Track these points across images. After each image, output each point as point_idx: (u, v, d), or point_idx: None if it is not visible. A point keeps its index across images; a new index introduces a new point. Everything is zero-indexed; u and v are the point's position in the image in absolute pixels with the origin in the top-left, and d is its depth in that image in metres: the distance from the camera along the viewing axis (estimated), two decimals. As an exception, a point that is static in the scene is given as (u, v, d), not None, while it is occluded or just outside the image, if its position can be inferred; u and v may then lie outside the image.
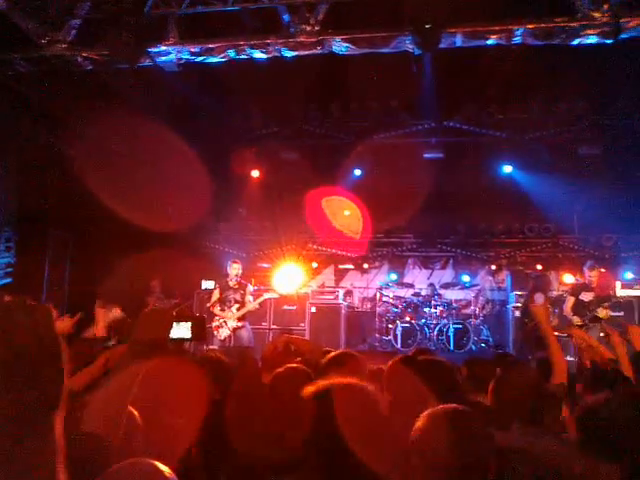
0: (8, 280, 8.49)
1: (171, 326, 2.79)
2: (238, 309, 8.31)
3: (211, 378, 2.75)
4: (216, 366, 3.13)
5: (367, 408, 2.00)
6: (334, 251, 13.60)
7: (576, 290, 8.50)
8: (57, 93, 8.14)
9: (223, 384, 2.86)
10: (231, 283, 8.53)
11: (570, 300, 8.40)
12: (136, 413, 2.22)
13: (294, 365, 2.82)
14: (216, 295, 8.57)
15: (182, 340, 2.86)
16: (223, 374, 3.06)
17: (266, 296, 8.76)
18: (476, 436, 1.80)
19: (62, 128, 8.54)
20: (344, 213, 12.48)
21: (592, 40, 6.25)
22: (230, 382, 2.90)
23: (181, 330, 2.84)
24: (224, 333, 8.21)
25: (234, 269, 8.63)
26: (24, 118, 8.18)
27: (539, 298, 9.26)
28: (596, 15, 6.04)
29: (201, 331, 3.01)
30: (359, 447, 1.90)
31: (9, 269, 8.53)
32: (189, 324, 2.87)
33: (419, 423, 1.86)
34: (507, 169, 11.51)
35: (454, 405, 1.90)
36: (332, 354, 3.20)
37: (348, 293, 13.01)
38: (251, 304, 8.38)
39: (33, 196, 8.15)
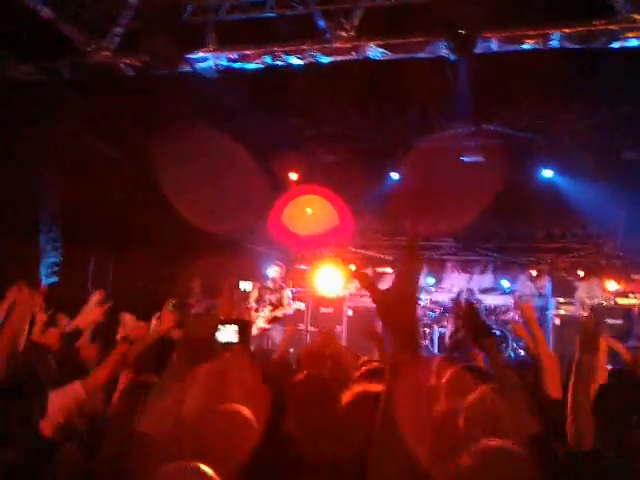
0: (55, 279, 8.83)
1: (217, 329, 2.88)
2: (271, 311, 8.46)
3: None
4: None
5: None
6: (372, 254, 13.61)
7: None
8: (102, 98, 8.42)
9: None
10: (269, 285, 8.70)
11: None
12: (189, 414, 2.29)
13: (314, 372, 2.83)
14: (254, 295, 8.77)
15: (229, 344, 2.91)
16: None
17: (283, 311, 8.73)
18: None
19: (105, 131, 8.83)
20: (306, 213, 11.25)
21: (633, 43, 6.10)
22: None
23: (228, 333, 2.90)
24: (254, 332, 8.39)
25: (274, 271, 8.81)
26: (68, 122, 8.49)
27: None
28: (637, 17, 5.91)
29: (248, 334, 3.07)
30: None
31: (56, 268, 8.87)
32: (236, 327, 2.92)
33: (465, 460, 1.83)
34: (548, 173, 11.30)
35: (502, 443, 1.87)
36: (365, 368, 3.23)
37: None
38: (281, 310, 8.52)
39: (77, 197, 8.44)
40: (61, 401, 2.93)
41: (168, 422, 2.15)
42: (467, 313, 2.55)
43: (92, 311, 4.48)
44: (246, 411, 2.31)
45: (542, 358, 3.23)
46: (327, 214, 10.96)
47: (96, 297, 4.58)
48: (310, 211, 11.08)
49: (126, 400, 2.94)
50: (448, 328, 11.49)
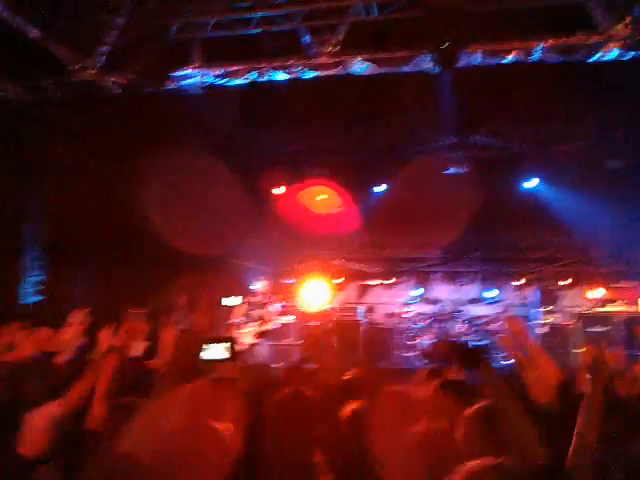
0: (39, 298, 8.72)
1: (201, 348, 2.86)
2: (259, 325, 8.41)
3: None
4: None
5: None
6: (359, 266, 13.63)
7: None
8: (89, 116, 8.39)
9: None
10: (256, 300, 8.69)
11: None
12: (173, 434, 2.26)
13: (297, 390, 2.81)
14: (242, 309, 8.72)
15: (216, 361, 2.89)
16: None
17: (269, 326, 8.67)
18: None
19: (93, 149, 8.78)
20: (319, 199, 12.13)
21: (613, 55, 6.24)
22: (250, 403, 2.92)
23: (216, 351, 2.88)
24: (240, 347, 8.29)
25: (260, 286, 8.80)
26: (58, 141, 8.44)
27: None
28: (617, 29, 6.04)
29: (235, 351, 3.06)
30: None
31: (40, 287, 8.76)
32: (227, 344, 2.90)
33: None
34: (533, 183, 11.42)
35: (495, 460, 1.83)
36: (344, 379, 3.22)
37: (370, 309, 13.00)
38: (268, 325, 8.48)
39: (63, 214, 8.38)
40: (39, 421, 2.89)
41: (151, 442, 2.13)
42: (452, 352, 2.55)
43: (70, 330, 4.40)
44: (225, 428, 2.29)
45: (541, 367, 3.24)
46: (335, 201, 11.83)
47: (76, 316, 4.49)
48: (321, 197, 11.86)
49: (106, 420, 2.91)
50: (428, 338, 11.58)
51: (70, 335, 4.41)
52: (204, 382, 2.80)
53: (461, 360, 2.53)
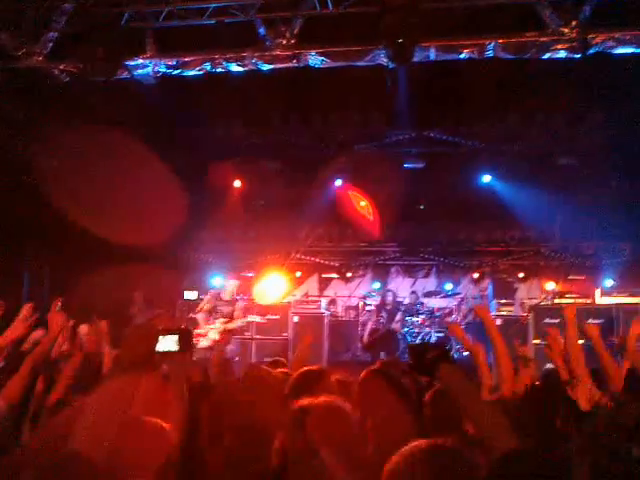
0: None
1: (157, 340, 2.80)
2: (224, 323, 8.28)
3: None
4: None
5: (342, 427, 2.02)
6: (318, 260, 13.64)
7: None
8: (33, 104, 8.13)
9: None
10: (225, 296, 8.52)
11: None
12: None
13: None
14: (206, 304, 8.54)
15: (169, 353, 2.85)
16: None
17: (236, 324, 8.52)
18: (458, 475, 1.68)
19: (39, 140, 8.52)
20: (361, 204, 13.10)
21: (561, 55, 6.36)
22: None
23: (168, 343, 2.83)
24: (204, 343, 8.16)
25: (232, 285, 8.68)
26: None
27: None
28: (565, 30, 6.16)
29: (188, 343, 3.01)
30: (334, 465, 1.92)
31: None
32: (176, 336, 2.86)
33: (395, 461, 1.71)
34: (487, 179, 11.61)
35: (434, 440, 1.75)
36: (295, 375, 3.20)
37: (332, 302, 13.03)
38: (234, 323, 8.34)
39: (10, 209, 8.13)
40: None
41: (103, 440, 2.08)
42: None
43: (16, 327, 4.27)
44: (162, 426, 2.25)
45: (500, 359, 3.28)
46: (369, 208, 12.82)
47: (23, 311, 4.37)
48: (363, 204, 12.83)
49: (51, 416, 2.83)
50: (368, 326, 11.65)
51: (14, 333, 4.28)
52: (151, 377, 2.74)
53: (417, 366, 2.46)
